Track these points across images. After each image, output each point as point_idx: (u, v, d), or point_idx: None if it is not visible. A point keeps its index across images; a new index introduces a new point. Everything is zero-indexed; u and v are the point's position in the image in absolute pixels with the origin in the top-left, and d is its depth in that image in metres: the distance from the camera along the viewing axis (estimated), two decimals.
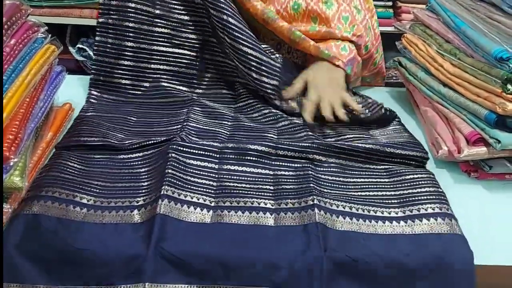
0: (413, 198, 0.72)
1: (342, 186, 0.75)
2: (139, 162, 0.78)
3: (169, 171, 0.72)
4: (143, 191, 0.71)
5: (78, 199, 0.68)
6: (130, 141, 0.81)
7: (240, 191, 0.72)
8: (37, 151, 0.75)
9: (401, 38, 1.05)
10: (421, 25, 1.01)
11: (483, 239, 0.67)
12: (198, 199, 0.69)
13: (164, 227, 0.64)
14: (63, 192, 0.68)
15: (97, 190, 0.70)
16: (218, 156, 0.78)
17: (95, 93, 0.97)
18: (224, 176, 0.75)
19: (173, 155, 0.75)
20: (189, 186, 0.71)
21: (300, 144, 0.80)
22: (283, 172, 0.77)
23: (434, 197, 0.72)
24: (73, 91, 0.97)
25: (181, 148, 0.77)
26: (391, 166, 0.79)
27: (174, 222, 0.65)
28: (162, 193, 0.68)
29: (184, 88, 1.00)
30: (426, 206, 0.70)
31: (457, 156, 0.78)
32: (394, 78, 1.90)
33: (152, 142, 0.81)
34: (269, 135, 0.85)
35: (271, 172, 0.77)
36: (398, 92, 1.12)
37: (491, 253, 0.66)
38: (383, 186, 0.75)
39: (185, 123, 0.86)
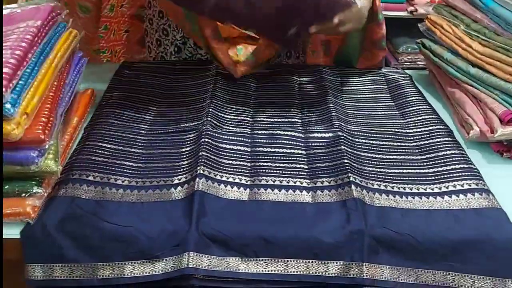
0: (448, 175, 0.71)
1: (375, 163, 0.75)
2: (170, 144, 0.78)
3: (203, 153, 0.72)
4: (179, 170, 0.71)
5: (113, 180, 0.68)
6: (155, 130, 0.81)
7: (275, 171, 0.71)
8: (64, 136, 0.74)
9: (421, 21, 1.04)
10: (446, 6, 0.99)
11: None
12: (234, 179, 0.70)
13: (204, 203, 0.64)
14: (97, 175, 0.67)
15: (131, 171, 0.70)
16: (249, 140, 0.78)
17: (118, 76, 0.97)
18: (258, 157, 0.74)
19: (206, 139, 0.75)
20: (224, 168, 0.71)
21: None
22: (315, 151, 0.77)
23: (469, 173, 0.71)
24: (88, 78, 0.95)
25: (213, 134, 0.77)
26: (423, 142, 0.79)
27: (213, 199, 0.65)
28: (198, 172, 0.68)
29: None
30: (462, 182, 0.69)
31: (490, 136, 0.77)
32: (406, 63, 1.90)
33: (179, 129, 0.80)
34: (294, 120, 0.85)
35: (304, 152, 0.76)
36: (419, 74, 1.11)
37: None
38: (417, 163, 0.75)
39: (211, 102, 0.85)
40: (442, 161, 0.74)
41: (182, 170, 0.71)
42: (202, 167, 0.69)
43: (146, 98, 0.90)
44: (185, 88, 0.95)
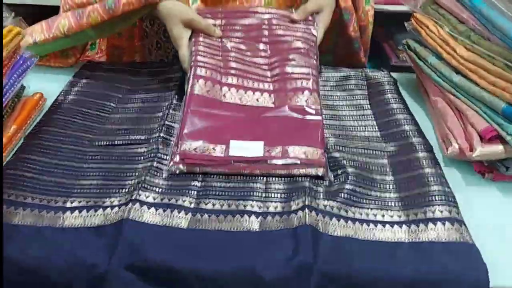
0: (419, 200, 0.63)
1: (339, 180, 0.66)
2: (114, 158, 0.70)
3: (147, 177, 0.65)
4: (115, 191, 0.64)
5: (37, 201, 0.61)
6: (102, 138, 0.74)
7: (226, 192, 0.64)
8: None
9: (411, 18, 0.94)
10: (433, 4, 0.89)
11: (498, 253, 0.57)
12: (177, 200, 0.62)
13: (133, 232, 0.57)
14: (18, 194, 0.61)
15: (59, 189, 0.64)
16: None
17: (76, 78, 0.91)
18: (211, 176, 0.67)
19: (154, 163, 0.68)
20: (169, 190, 0.64)
21: None
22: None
23: (442, 198, 0.62)
24: (53, 84, 0.89)
25: (162, 153, 0.70)
26: (398, 159, 0.71)
27: (145, 227, 0.58)
28: (134, 197, 0.61)
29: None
30: (434, 208, 0.61)
31: (469, 154, 0.68)
32: (408, 61, 1.78)
33: (127, 142, 0.74)
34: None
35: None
36: (407, 78, 1.02)
37: (508, 271, 0.56)
38: (387, 184, 0.66)
39: (164, 121, 0.77)
40: (415, 182, 0.66)
41: (118, 190, 0.64)
42: (140, 191, 0.62)
43: (99, 103, 0.83)
44: (145, 93, 0.88)
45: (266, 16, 0.90)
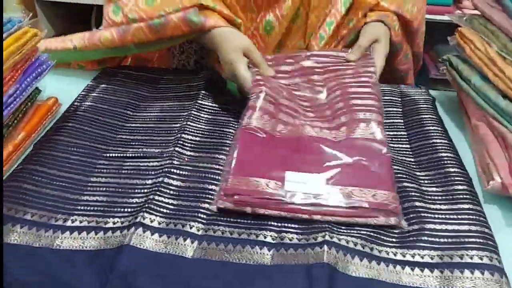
0: (456, 240, 0.56)
1: None
2: (124, 172, 0.66)
3: (155, 196, 0.60)
4: (120, 210, 0.60)
5: (29, 216, 0.57)
6: (114, 150, 0.71)
7: (240, 217, 0.59)
8: None
9: (455, 32, 0.86)
10: (481, 17, 0.81)
11: None
12: (184, 226, 0.57)
13: (132, 260, 0.52)
14: (12, 208, 0.58)
15: (65, 205, 0.60)
16: (217, 177, 0.65)
17: (95, 83, 0.87)
18: None
19: (165, 179, 0.64)
20: (177, 212, 0.59)
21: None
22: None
23: (482, 240, 0.55)
24: (72, 87, 0.86)
25: (174, 171, 0.66)
26: (433, 189, 0.64)
27: (146, 255, 0.53)
28: (138, 220, 0.56)
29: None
30: (472, 253, 0.53)
31: None
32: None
33: (139, 154, 0.70)
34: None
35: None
36: (448, 96, 0.94)
37: None
38: (423, 220, 0.59)
39: (180, 134, 0.73)
40: (451, 217, 0.59)
41: (124, 210, 0.60)
42: (145, 213, 0.57)
43: (116, 111, 0.80)
44: (164, 102, 0.84)
45: (322, 58, 0.85)
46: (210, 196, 0.62)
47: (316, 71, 0.83)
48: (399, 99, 0.86)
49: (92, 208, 0.60)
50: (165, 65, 1.03)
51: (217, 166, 0.67)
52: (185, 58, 0.99)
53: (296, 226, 0.58)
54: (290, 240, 0.56)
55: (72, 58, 0.92)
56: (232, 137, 0.73)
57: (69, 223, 0.58)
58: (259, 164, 0.63)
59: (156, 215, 0.58)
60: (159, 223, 0.57)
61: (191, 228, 0.57)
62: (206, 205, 0.61)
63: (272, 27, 0.87)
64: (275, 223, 0.58)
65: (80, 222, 0.58)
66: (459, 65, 0.82)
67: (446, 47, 0.99)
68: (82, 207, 0.60)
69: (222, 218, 0.59)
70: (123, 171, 0.66)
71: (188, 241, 0.56)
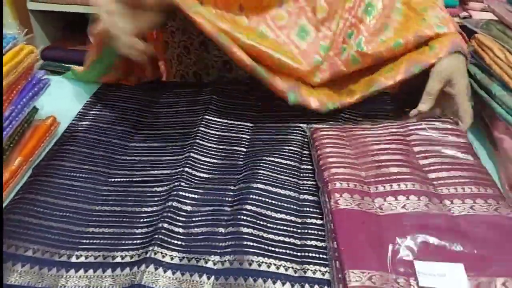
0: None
1: None
2: (130, 199, 0.62)
3: (164, 225, 0.56)
4: (128, 242, 0.56)
5: (30, 252, 0.53)
6: (120, 173, 0.66)
7: (256, 245, 0.54)
8: None
9: (470, 39, 0.82)
10: (499, 23, 0.77)
11: None
12: (198, 260, 0.53)
13: None
14: (12, 244, 0.53)
15: (69, 239, 0.56)
16: (233, 199, 0.61)
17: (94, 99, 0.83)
18: (238, 218, 0.57)
19: (173, 203, 0.59)
20: (190, 243, 0.55)
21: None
22: (313, 220, 0.59)
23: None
24: (70, 103, 0.82)
25: (184, 194, 0.61)
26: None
27: None
28: (148, 255, 0.52)
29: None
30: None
31: None
32: None
33: (146, 178, 0.65)
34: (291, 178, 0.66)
35: (298, 220, 0.59)
36: None
37: None
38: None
39: (189, 153, 0.69)
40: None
41: (132, 242, 0.56)
42: (156, 247, 0.53)
43: (118, 130, 0.75)
44: (170, 118, 0.79)
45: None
46: (223, 218, 0.58)
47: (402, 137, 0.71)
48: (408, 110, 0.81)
49: (98, 242, 0.56)
50: (160, 75, 0.99)
51: (231, 187, 0.63)
52: (184, 69, 0.94)
53: (321, 255, 0.54)
54: (314, 273, 0.52)
55: (88, 77, 0.88)
56: (243, 156, 0.69)
57: (73, 259, 0.53)
58: (375, 253, 0.51)
59: (168, 248, 0.54)
60: (172, 258, 0.53)
61: (206, 262, 0.53)
62: (221, 229, 0.57)
63: None
64: (294, 251, 0.54)
65: (86, 257, 0.54)
66: (477, 74, 0.79)
67: None
68: (88, 240, 0.56)
69: (238, 242, 0.55)
70: (129, 198, 0.62)
71: (205, 277, 0.52)
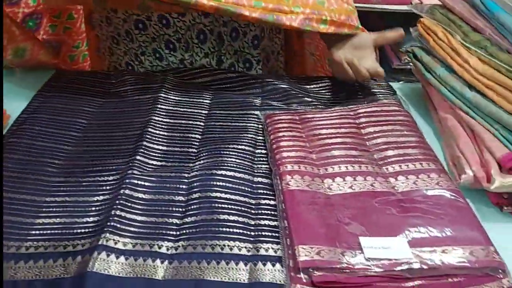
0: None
1: None
2: (82, 189, 0.62)
3: (117, 211, 0.56)
4: (79, 232, 0.55)
5: None
6: (70, 164, 0.66)
7: (209, 228, 0.55)
8: None
9: (417, 23, 0.86)
10: (442, 8, 0.81)
11: None
12: (152, 246, 0.53)
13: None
14: None
15: (12, 230, 0.55)
16: (185, 187, 0.62)
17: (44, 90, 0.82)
18: (194, 209, 0.58)
19: (126, 191, 0.59)
20: (144, 229, 0.55)
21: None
22: (266, 201, 0.60)
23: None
24: (19, 97, 0.80)
25: (137, 182, 0.61)
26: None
27: (110, 282, 0.49)
28: (100, 242, 0.52)
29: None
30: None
31: (486, 186, 0.59)
32: (410, 64, 1.69)
33: (99, 168, 0.65)
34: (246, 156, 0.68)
35: (252, 201, 0.60)
36: (412, 88, 0.93)
37: None
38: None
39: (141, 141, 0.69)
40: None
41: (84, 231, 0.55)
42: (108, 234, 0.53)
43: (70, 121, 0.74)
44: (122, 108, 0.79)
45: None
46: (178, 209, 0.58)
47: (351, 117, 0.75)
48: (360, 94, 0.84)
49: (48, 232, 0.55)
50: (98, 69, 0.99)
51: (185, 174, 0.63)
52: (116, 60, 0.94)
53: (269, 234, 0.56)
54: (266, 251, 0.54)
55: None
56: (197, 144, 0.70)
57: (23, 250, 0.53)
58: (324, 230, 0.53)
59: (120, 235, 0.54)
60: (125, 244, 0.53)
61: (160, 248, 0.53)
62: (175, 220, 0.57)
63: None
64: (248, 232, 0.55)
65: (36, 248, 0.53)
66: (423, 57, 0.82)
67: (407, 36, 0.99)
68: (38, 231, 0.55)
69: (191, 231, 0.55)
70: (81, 188, 0.62)
71: (158, 261, 0.52)
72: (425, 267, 0.49)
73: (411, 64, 1.41)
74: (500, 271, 0.49)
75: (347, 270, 0.48)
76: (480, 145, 0.64)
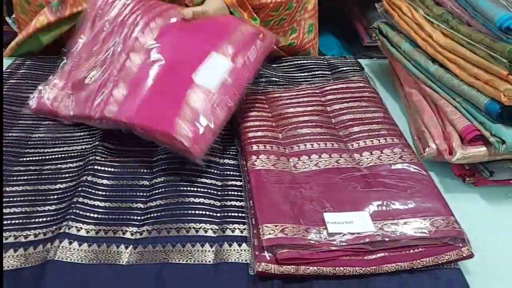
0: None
1: None
2: (43, 177, 0.60)
3: (79, 199, 0.55)
4: (39, 220, 0.54)
5: None
6: (31, 152, 0.64)
7: (175, 211, 0.55)
8: None
9: None
10: None
11: (481, 265, 0.51)
12: (115, 232, 0.52)
13: (57, 277, 0.47)
14: None
15: None
16: (149, 171, 0.61)
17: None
18: (156, 192, 0.57)
19: (88, 178, 0.58)
20: (107, 216, 0.54)
21: None
22: (233, 182, 0.60)
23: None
24: None
25: (99, 168, 0.60)
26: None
27: (72, 270, 0.48)
28: (62, 230, 0.51)
29: None
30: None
31: (448, 158, 0.60)
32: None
33: (60, 155, 0.64)
34: None
35: (218, 183, 0.60)
36: (379, 65, 0.93)
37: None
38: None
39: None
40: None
41: (46, 220, 0.54)
42: (70, 221, 0.52)
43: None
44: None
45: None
46: (142, 194, 0.58)
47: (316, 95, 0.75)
48: (329, 72, 0.84)
49: (8, 222, 0.54)
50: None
51: (149, 159, 0.62)
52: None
53: (237, 214, 0.56)
54: (232, 231, 0.53)
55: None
56: None
57: None
58: (288, 208, 0.53)
59: (83, 222, 0.53)
60: (87, 232, 0.52)
61: (124, 233, 0.53)
62: (139, 205, 0.56)
63: None
64: (213, 213, 0.55)
65: None
66: (389, 32, 0.82)
67: (376, 13, 0.99)
68: None
69: (155, 215, 0.55)
70: (42, 176, 0.60)
71: (122, 247, 0.51)
72: (387, 239, 0.49)
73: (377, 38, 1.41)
74: (459, 240, 0.50)
75: (311, 246, 0.48)
76: (443, 118, 0.65)
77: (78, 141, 0.66)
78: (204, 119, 0.59)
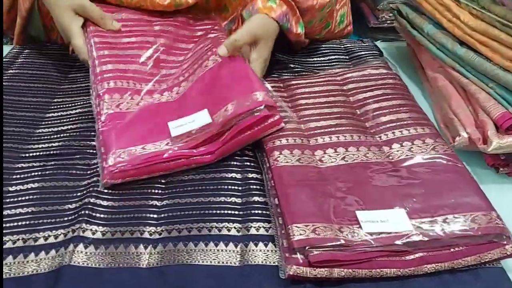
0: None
1: None
2: (46, 173, 0.56)
3: (91, 200, 0.52)
4: (58, 220, 0.51)
5: None
6: (34, 148, 0.60)
7: (195, 211, 0.51)
8: None
9: None
10: None
11: None
12: (133, 233, 0.49)
13: (74, 283, 0.44)
14: None
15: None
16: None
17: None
18: (174, 190, 0.54)
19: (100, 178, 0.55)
20: (121, 216, 0.51)
21: None
22: (254, 175, 0.56)
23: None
24: None
25: None
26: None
27: (90, 275, 0.45)
28: (76, 233, 0.48)
29: None
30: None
31: (482, 148, 0.57)
32: (388, 22, 1.64)
33: (66, 150, 0.60)
34: None
35: (239, 176, 0.56)
36: (397, 48, 0.89)
37: None
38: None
39: None
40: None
41: (56, 220, 0.50)
42: (83, 224, 0.48)
43: (30, 101, 0.68)
44: (89, 82, 0.72)
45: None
46: (157, 191, 0.54)
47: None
48: (347, 57, 0.79)
49: (15, 224, 0.50)
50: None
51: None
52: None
53: (259, 211, 0.52)
54: (257, 230, 0.50)
55: None
56: None
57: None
58: (314, 206, 0.49)
59: (98, 224, 0.49)
60: (103, 234, 0.49)
61: (142, 234, 0.49)
62: (155, 202, 0.53)
63: None
64: (237, 211, 0.52)
65: (14, 243, 0.48)
66: (409, 14, 0.77)
67: None
68: (4, 224, 0.50)
69: (175, 213, 0.51)
70: (47, 172, 0.56)
71: (141, 247, 0.48)
72: (426, 238, 0.46)
73: (388, 22, 1.36)
74: (504, 237, 0.46)
75: (346, 247, 0.45)
76: (475, 105, 0.61)
77: (86, 134, 0.62)
78: None
